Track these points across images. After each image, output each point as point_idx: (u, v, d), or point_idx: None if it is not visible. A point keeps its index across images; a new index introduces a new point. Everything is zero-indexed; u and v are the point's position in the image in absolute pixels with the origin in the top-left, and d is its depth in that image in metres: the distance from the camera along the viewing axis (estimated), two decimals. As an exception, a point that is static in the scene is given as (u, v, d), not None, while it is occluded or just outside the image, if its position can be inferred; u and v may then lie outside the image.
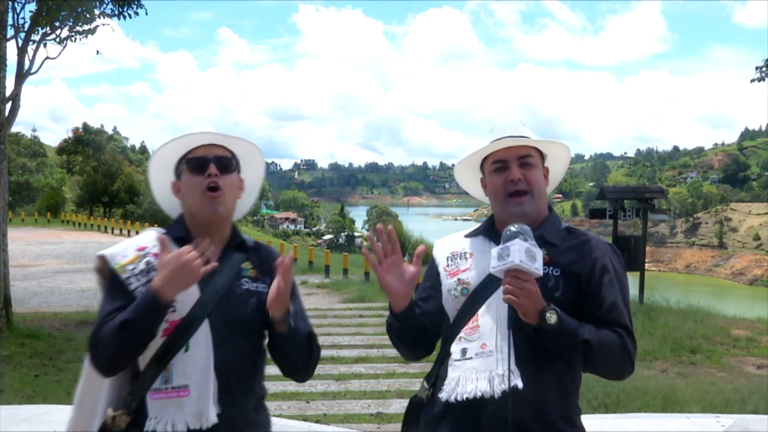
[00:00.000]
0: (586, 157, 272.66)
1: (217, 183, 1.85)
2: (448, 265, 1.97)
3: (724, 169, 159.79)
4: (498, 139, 1.92)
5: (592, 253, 1.86)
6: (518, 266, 1.66)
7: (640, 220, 11.09)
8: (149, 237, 1.90)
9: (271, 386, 6.45)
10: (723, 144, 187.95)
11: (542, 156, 1.97)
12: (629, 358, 1.81)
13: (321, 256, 19.13)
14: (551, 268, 1.82)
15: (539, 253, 1.68)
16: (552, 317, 1.70)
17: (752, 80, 13.65)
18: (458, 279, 1.92)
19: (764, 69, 13.53)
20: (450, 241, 2.06)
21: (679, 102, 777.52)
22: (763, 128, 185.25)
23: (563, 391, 1.83)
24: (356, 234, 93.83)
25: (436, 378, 1.91)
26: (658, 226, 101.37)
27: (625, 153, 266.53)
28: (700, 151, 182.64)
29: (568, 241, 1.89)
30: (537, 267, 1.67)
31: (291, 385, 6.40)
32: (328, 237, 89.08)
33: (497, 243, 1.81)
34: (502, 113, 2.01)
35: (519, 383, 1.75)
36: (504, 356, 1.77)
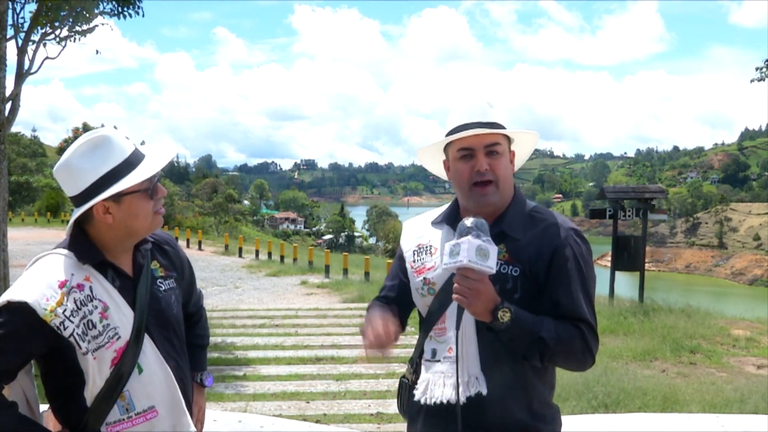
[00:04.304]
0: (586, 157, 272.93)
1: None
2: (414, 261, 1.95)
3: (724, 169, 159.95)
4: (465, 125, 1.83)
5: (552, 242, 1.79)
6: (467, 266, 1.62)
7: (640, 220, 11.07)
8: (62, 266, 1.70)
9: (270, 386, 6.47)
10: (723, 144, 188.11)
11: (509, 140, 1.89)
12: (589, 352, 1.76)
13: (321, 256, 19.13)
14: (510, 268, 1.77)
15: (493, 250, 1.63)
16: (505, 316, 1.66)
17: (752, 80, 13.66)
18: (424, 278, 1.90)
19: (764, 69, 13.53)
20: (417, 228, 2.02)
21: (679, 102, 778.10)
22: (763, 128, 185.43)
23: (531, 389, 1.80)
24: (356, 234, 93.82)
25: (416, 365, 1.94)
26: (658, 226, 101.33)
27: (625, 153, 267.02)
28: (700, 151, 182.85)
29: (530, 230, 1.82)
30: (489, 265, 1.62)
31: (291, 385, 6.40)
32: (328, 237, 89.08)
33: None
34: (470, 93, 1.91)
35: (483, 390, 1.75)
36: (469, 362, 1.77)
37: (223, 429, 4.85)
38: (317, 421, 5.34)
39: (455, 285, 1.67)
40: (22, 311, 1.60)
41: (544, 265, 1.77)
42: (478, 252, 1.61)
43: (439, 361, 1.82)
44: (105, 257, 1.74)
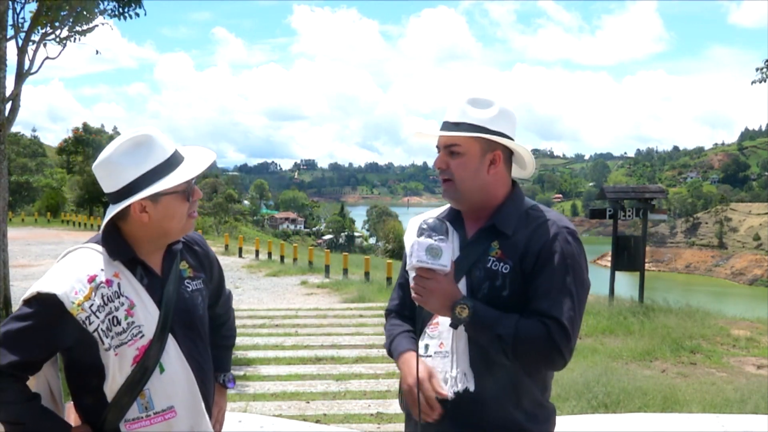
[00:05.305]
0: (586, 157, 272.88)
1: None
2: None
3: (724, 169, 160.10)
4: (443, 123, 1.89)
5: (542, 238, 1.78)
6: (416, 265, 1.70)
7: (640, 220, 11.06)
8: (92, 261, 1.72)
9: (270, 386, 6.47)
10: (723, 144, 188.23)
11: (485, 142, 1.82)
12: (557, 350, 1.68)
13: (321, 256, 19.13)
14: (501, 264, 1.77)
15: (446, 248, 1.69)
16: (463, 312, 1.69)
17: (753, 82, 13.61)
18: None
19: (765, 70, 13.50)
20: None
21: (678, 102, 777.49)
22: (763, 128, 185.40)
23: (522, 388, 1.77)
24: (356, 234, 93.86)
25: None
26: (658, 226, 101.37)
27: (625, 153, 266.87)
28: (700, 151, 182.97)
29: (523, 227, 1.81)
30: (442, 263, 1.68)
31: (291, 385, 6.40)
32: (328, 237, 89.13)
33: (461, 230, 1.87)
34: (462, 92, 1.90)
35: (471, 386, 1.75)
36: (458, 357, 1.77)
37: (223, 429, 4.85)
38: (317, 421, 5.34)
39: (411, 285, 1.73)
40: (50, 303, 1.62)
41: (532, 260, 1.76)
42: (428, 251, 1.68)
43: (430, 356, 1.82)
44: (136, 254, 1.75)
